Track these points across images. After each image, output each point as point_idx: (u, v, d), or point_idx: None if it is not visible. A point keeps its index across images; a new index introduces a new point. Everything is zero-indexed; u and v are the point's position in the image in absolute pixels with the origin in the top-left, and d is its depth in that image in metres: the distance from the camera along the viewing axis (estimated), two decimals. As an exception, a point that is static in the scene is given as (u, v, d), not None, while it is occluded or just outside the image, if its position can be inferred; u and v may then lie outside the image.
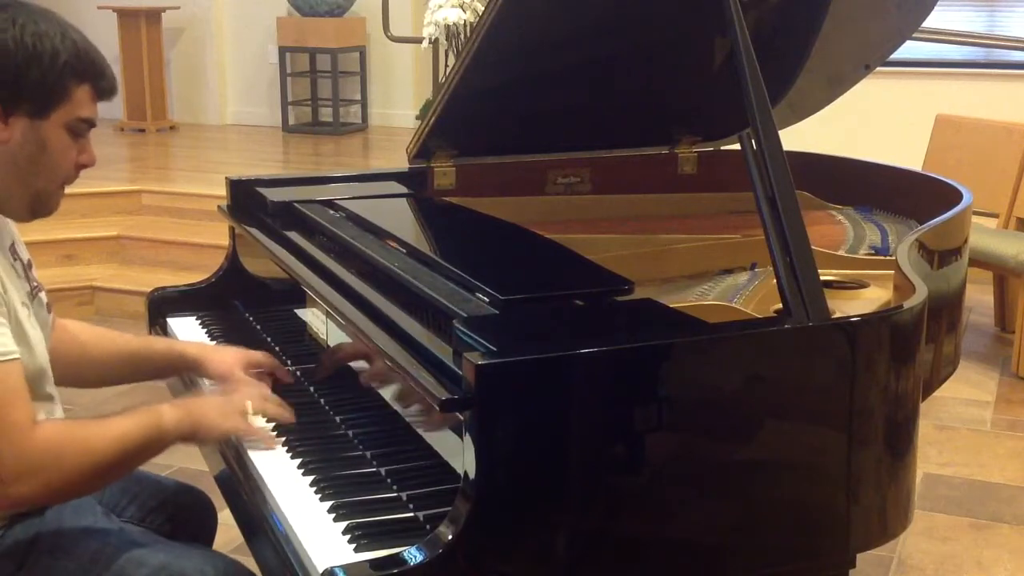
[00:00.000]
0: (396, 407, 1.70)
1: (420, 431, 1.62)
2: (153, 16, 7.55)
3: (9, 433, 1.50)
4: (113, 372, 2.00)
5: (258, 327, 2.33)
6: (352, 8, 7.60)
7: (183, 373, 2.05)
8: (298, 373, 2.08)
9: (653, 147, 2.78)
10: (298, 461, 1.72)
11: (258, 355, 2.02)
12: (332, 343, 1.95)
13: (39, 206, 1.67)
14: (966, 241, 2.35)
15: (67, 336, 1.92)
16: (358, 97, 7.78)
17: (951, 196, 2.43)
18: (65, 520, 1.71)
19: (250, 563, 1.73)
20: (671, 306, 1.73)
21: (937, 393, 2.19)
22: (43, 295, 1.77)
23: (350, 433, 1.80)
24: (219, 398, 1.81)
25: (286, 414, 1.81)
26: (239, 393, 1.82)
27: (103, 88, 1.66)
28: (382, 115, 7.86)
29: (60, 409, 1.76)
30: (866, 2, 2.55)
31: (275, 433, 1.80)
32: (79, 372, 1.93)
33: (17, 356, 1.55)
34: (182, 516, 1.95)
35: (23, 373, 1.56)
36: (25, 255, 1.76)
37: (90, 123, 1.66)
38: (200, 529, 1.98)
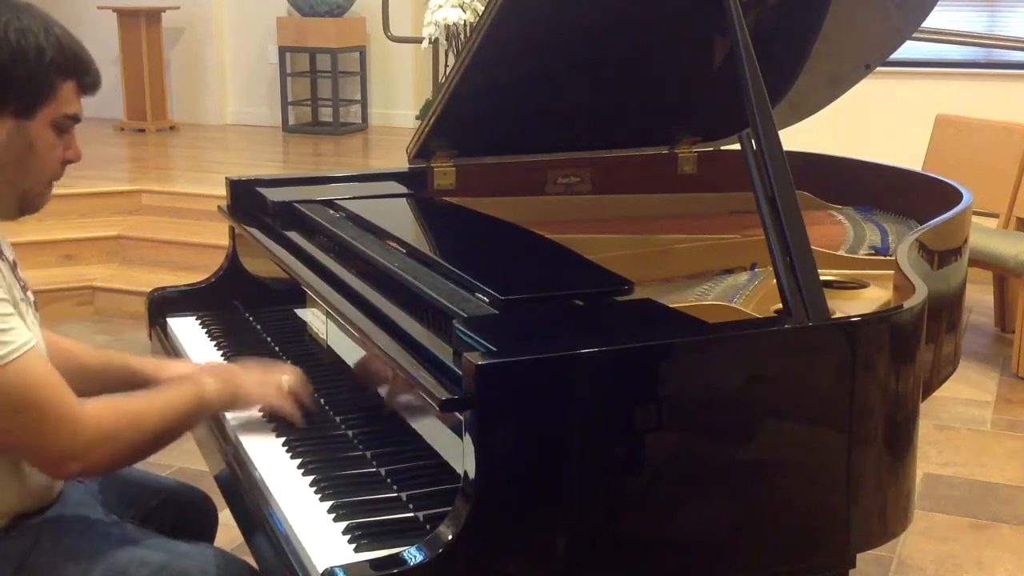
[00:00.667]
0: (396, 407, 1.70)
1: (420, 431, 1.62)
2: (153, 16, 7.55)
3: (60, 416, 1.52)
4: (75, 387, 1.89)
5: (258, 327, 2.33)
6: (352, 8, 7.60)
7: (138, 388, 1.95)
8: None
9: (653, 147, 2.78)
10: (298, 461, 1.72)
11: (209, 367, 2.01)
12: (332, 343, 1.95)
13: (27, 205, 1.67)
14: (966, 241, 2.35)
15: (58, 348, 1.89)
16: (358, 97, 7.78)
17: (951, 196, 2.43)
18: (66, 520, 1.71)
19: (250, 563, 1.73)
20: (671, 306, 1.73)
21: (937, 393, 2.18)
22: (30, 294, 1.75)
23: (350, 433, 1.80)
24: (258, 369, 1.84)
25: (309, 400, 1.84)
26: (279, 368, 1.85)
27: (88, 83, 1.64)
28: (382, 115, 7.86)
29: None
30: (866, 2, 2.55)
31: (274, 434, 1.80)
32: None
33: (36, 341, 1.56)
34: (183, 516, 1.95)
35: (47, 357, 1.57)
36: (10, 255, 1.73)
37: (75, 119, 1.64)
38: (201, 529, 1.98)
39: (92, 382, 1.94)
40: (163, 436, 1.66)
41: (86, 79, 1.63)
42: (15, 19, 1.55)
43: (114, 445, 1.58)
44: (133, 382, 1.97)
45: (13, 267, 1.73)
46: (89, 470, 1.62)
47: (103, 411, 1.58)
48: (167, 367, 2.01)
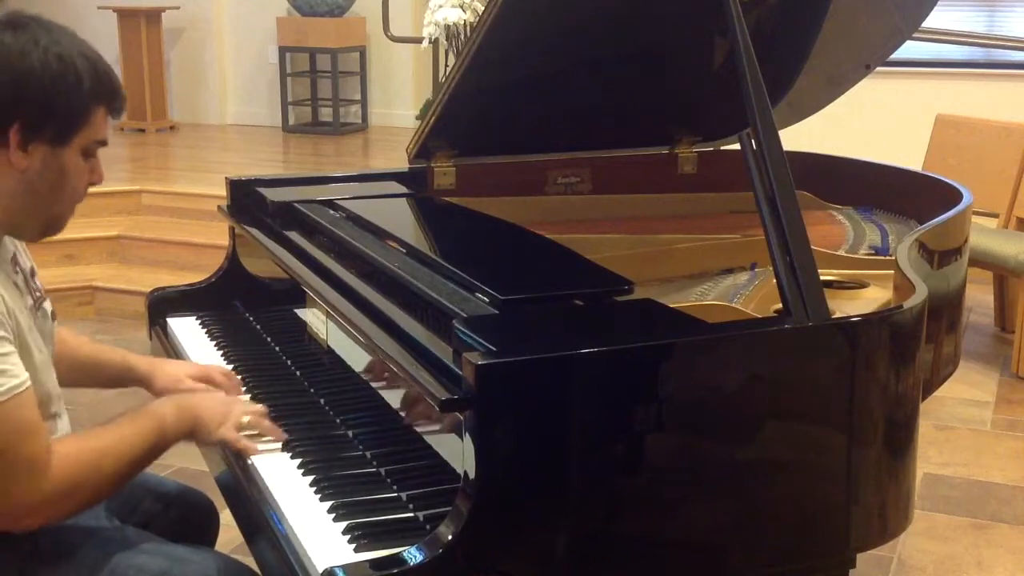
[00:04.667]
0: (396, 407, 1.70)
1: (420, 431, 1.62)
2: (153, 16, 7.55)
3: (26, 470, 1.49)
4: (70, 377, 1.93)
5: (258, 327, 2.33)
6: (352, 8, 7.59)
7: (132, 385, 2.02)
8: (298, 373, 2.08)
9: (653, 147, 2.78)
10: (298, 461, 1.72)
11: (207, 369, 2.01)
12: (332, 343, 1.95)
13: (52, 227, 1.66)
14: (966, 241, 2.35)
15: (57, 338, 1.87)
16: (358, 97, 7.78)
17: (951, 196, 2.43)
18: (66, 525, 1.69)
19: (250, 563, 1.73)
20: (671, 306, 1.73)
21: (937, 393, 2.18)
22: (47, 304, 1.74)
23: (350, 433, 1.80)
24: (220, 404, 1.79)
25: (275, 434, 1.79)
26: (239, 405, 1.81)
27: (117, 108, 1.63)
28: (382, 115, 7.85)
29: (67, 422, 1.75)
30: (866, 2, 2.55)
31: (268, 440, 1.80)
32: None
33: (28, 385, 1.52)
34: (185, 518, 1.94)
35: (35, 401, 1.54)
36: (27, 263, 1.73)
37: (104, 143, 1.63)
38: (202, 531, 1.97)
39: (86, 375, 1.97)
40: (124, 476, 1.63)
41: (116, 104, 1.62)
42: (54, 44, 1.53)
43: (75, 497, 1.55)
44: (128, 378, 1.99)
45: (31, 275, 1.72)
46: (48, 522, 1.58)
47: (66, 464, 1.53)
48: (162, 366, 2.00)
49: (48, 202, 1.61)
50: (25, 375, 1.51)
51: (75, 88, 1.54)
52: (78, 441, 1.61)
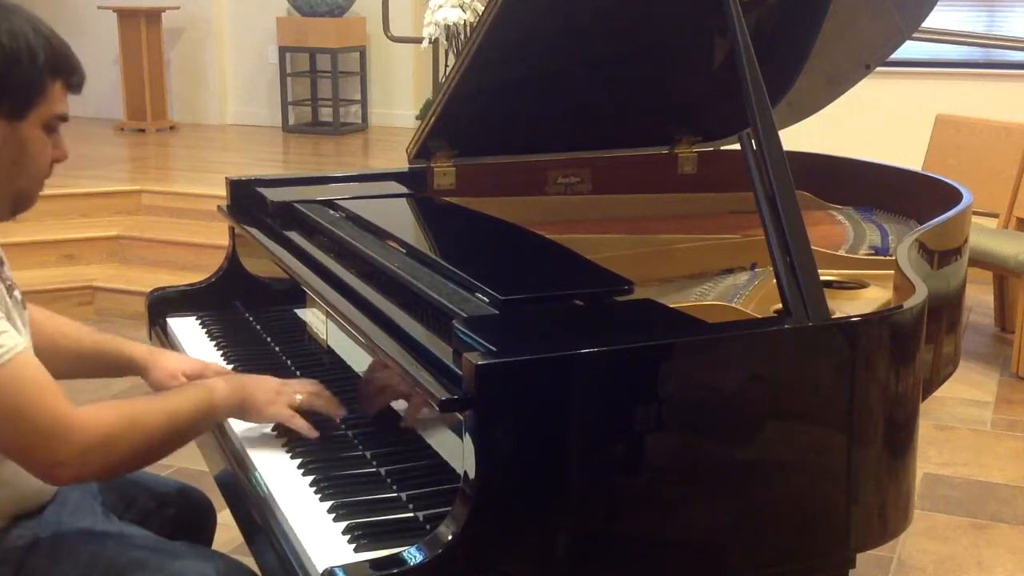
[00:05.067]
0: (396, 407, 1.70)
1: (420, 431, 1.62)
2: (153, 16, 7.54)
3: (51, 427, 1.49)
4: (60, 369, 1.90)
5: (258, 327, 2.33)
6: (352, 8, 7.59)
7: (130, 374, 2.03)
8: (298, 373, 2.08)
9: (653, 147, 2.78)
10: (298, 461, 1.72)
11: (201, 364, 2.01)
12: (332, 343, 1.95)
13: (20, 204, 1.66)
14: (966, 241, 2.35)
15: (39, 328, 1.88)
16: (358, 97, 7.78)
17: (951, 196, 2.43)
18: (64, 523, 1.71)
19: (250, 563, 1.73)
20: (671, 306, 1.73)
21: (937, 393, 2.18)
22: (17, 293, 1.73)
23: (350, 433, 1.80)
24: (272, 382, 1.79)
25: (334, 410, 1.79)
26: (292, 385, 1.80)
27: (75, 82, 1.63)
28: (382, 115, 7.86)
29: None
30: (866, 2, 2.55)
31: (275, 434, 1.80)
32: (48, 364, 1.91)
33: (27, 346, 1.53)
34: (182, 517, 1.95)
35: (38, 362, 1.54)
36: None
37: (64, 118, 1.63)
38: (200, 529, 1.98)
39: (87, 367, 1.97)
40: (168, 440, 1.62)
41: (74, 78, 1.62)
42: (5, 20, 1.54)
43: (111, 450, 1.54)
44: (126, 368, 1.99)
45: (0, 264, 1.72)
46: (85, 476, 1.58)
47: (100, 415, 1.54)
48: (159, 358, 1.99)
49: (11, 176, 1.60)
50: (19, 338, 1.51)
51: (28, 62, 1.54)
52: (118, 401, 1.61)
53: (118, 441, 1.54)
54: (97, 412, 1.54)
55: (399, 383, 1.68)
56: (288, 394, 1.77)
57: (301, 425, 1.75)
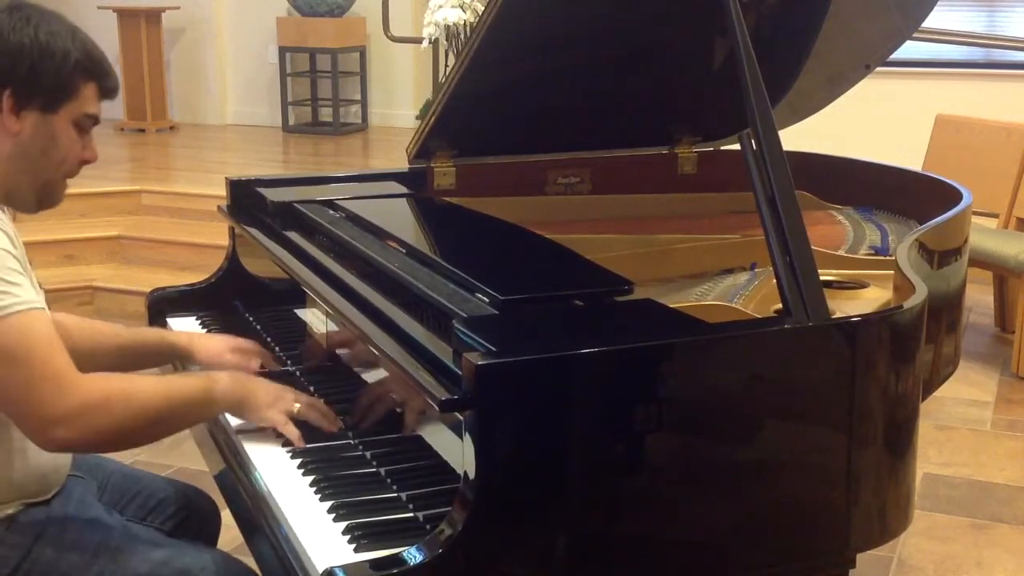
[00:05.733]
0: (396, 407, 1.70)
1: (420, 431, 1.62)
2: (153, 16, 7.55)
3: (54, 380, 1.53)
4: (105, 364, 1.99)
5: (258, 327, 2.33)
6: (352, 8, 7.60)
7: (173, 361, 2.10)
8: (298, 373, 2.08)
9: (653, 147, 2.78)
10: (298, 461, 1.72)
11: (245, 342, 2.08)
12: (332, 344, 1.95)
13: (46, 197, 1.74)
14: (966, 241, 2.35)
15: (83, 331, 1.97)
16: (358, 97, 7.78)
17: (951, 196, 2.43)
18: (70, 512, 1.73)
19: (250, 563, 1.73)
20: (671, 306, 1.73)
21: (937, 393, 2.18)
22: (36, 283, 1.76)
23: (350, 433, 1.80)
24: (275, 386, 1.82)
25: (328, 423, 1.81)
26: (293, 393, 1.83)
27: (108, 87, 1.74)
28: (382, 115, 7.86)
29: None
30: (866, 2, 2.55)
31: (275, 434, 1.80)
32: (89, 364, 1.93)
33: (43, 306, 1.59)
34: (183, 515, 1.95)
35: (51, 323, 1.59)
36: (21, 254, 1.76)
37: (95, 119, 1.73)
38: (202, 529, 1.98)
39: (128, 361, 2.04)
40: (162, 420, 1.65)
41: (107, 83, 1.74)
42: (45, 23, 1.67)
43: (104, 416, 1.56)
44: (169, 355, 2.08)
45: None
46: (75, 440, 1.58)
47: (100, 380, 1.59)
48: (203, 338, 2.08)
49: (40, 166, 1.70)
50: (37, 298, 1.58)
51: (62, 60, 1.66)
52: (117, 374, 1.67)
53: (112, 408, 1.57)
54: (98, 377, 1.59)
55: (399, 393, 1.68)
56: (288, 401, 1.79)
57: (292, 432, 1.77)
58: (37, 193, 1.72)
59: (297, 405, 1.79)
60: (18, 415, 1.57)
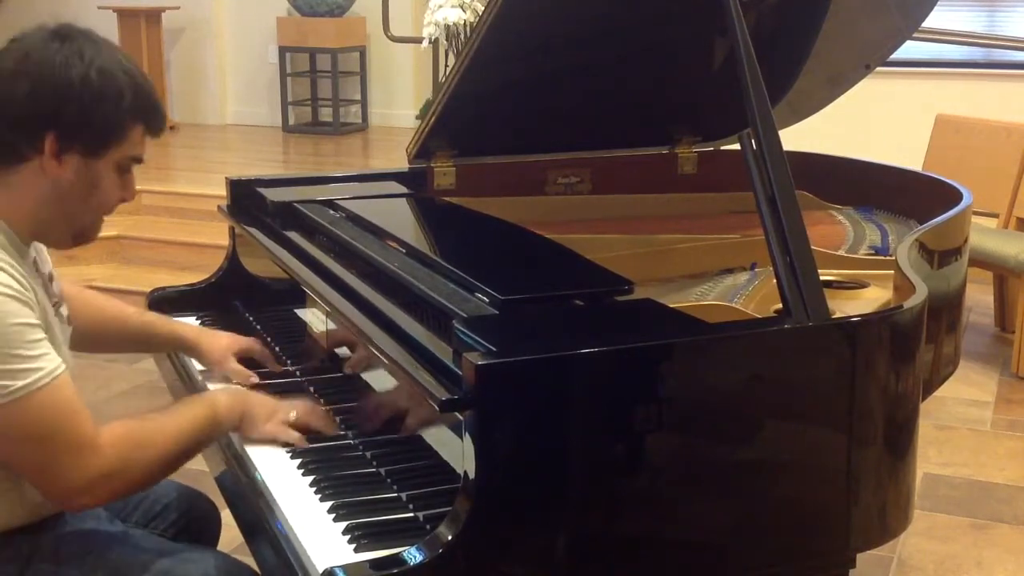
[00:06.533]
0: (396, 407, 1.70)
1: (420, 431, 1.62)
2: (153, 16, 7.55)
3: (76, 452, 1.51)
4: (115, 345, 2.11)
5: (258, 327, 2.33)
6: (352, 8, 7.60)
7: (181, 352, 2.15)
8: (298, 373, 2.08)
9: (653, 147, 2.78)
10: (298, 461, 1.72)
11: (249, 342, 2.11)
12: (332, 344, 1.95)
13: (82, 237, 1.67)
14: (966, 241, 2.35)
15: (89, 308, 1.97)
16: (358, 97, 7.78)
17: (951, 196, 2.43)
18: (69, 523, 1.71)
19: (250, 563, 1.73)
20: (671, 306, 1.73)
21: (937, 393, 2.18)
22: (63, 309, 1.75)
23: (350, 433, 1.80)
24: (270, 400, 1.83)
25: (328, 427, 1.82)
26: (288, 402, 1.84)
27: (156, 127, 1.64)
28: (382, 115, 7.86)
29: None
30: (866, 2, 2.55)
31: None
32: (83, 340, 1.94)
33: (65, 368, 1.54)
34: (186, 519, 1.95)
35: (73, 384, 1.55)
36: (47, 268, 1.74)
37: (139, 160, 1.64)
38: (203, 532, 1.98)
39: (134, 343, 2.11)
40: (176, 459, 1.65)
41: (155, 123, 1.63)
42: (97, 56, 1.55)
43: (126, 475, 1.56)
44: (176, 347, 2.13)
45: (49, 280, 1.73)
46: (98, 502, 1.61)
47: (117, 442, 1.55)
48: (210, 336, 2.10)
49: (76, 212, 1.62)
50: (59, 360, 1.53)
51: (114, 103, 1.55)
52: (128, 422, 1.62)
53: (131, 469, 1.57)
54: (116, 434, 1.56)
55: (399, 393, 1.68)
56: (285, 411, 1.80)
57: (292, 436, 1.77)
58: (73, 234, 1.65)
59: (293, 414, 1.79)
60: (41, 484, 1.56)
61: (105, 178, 1.60)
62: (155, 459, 1.60)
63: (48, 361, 1.50)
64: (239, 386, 1.98)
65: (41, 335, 1.52)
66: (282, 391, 1.96)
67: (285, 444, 1.77)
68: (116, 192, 1.63)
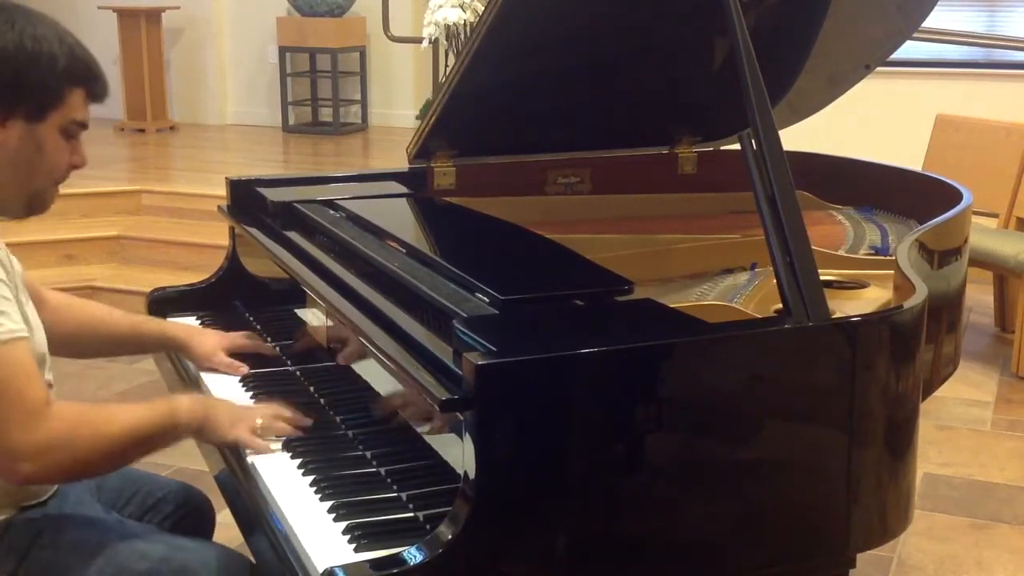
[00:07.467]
0: (396, 407, 1.70)
1: (420, 431, 1.62)
2: (153, 16, 7.54)
3: (25, 413, 1.51)
4: (106, 349, 2.11)
5: (258, 327, 2.33)
6: (352, 8, 7.59)
7: (172, 351, 2.17)
8: (298, 373, 2.08)
9: (653, 147, 2.78)
10: (298, 461, 1.72)
11: (240, 338, 2.13)
12: (332, 343, 1.95)
13: (35, 205, 1.70)
14: (966, 241, 2.35)
15: (77, 313, 1.99)
16: (358, 97, 7.78)
17: (951, 196, 2.43)
18: (67, 514, 1.72)
19: (250, 558, 1.73)
20: (671, 306, 1.73)
21: (937, 393, 2.18)
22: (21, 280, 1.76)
23: (350, 433, 1.80)
24: (235, 406, 1.83)
25: (297, 427, 1.81)
26: (254, 409, 1.84)
27: (96, 92, 1.69)
28: (382, 115, 7.85)
29: (54, 393, 1.76)
30: (866, 2, 2.55)
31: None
32: (74, 346, 2.00)
33: (26, 335, 1.56)
34: (181, 512, 1.96)
35: (32, 352, 1.57)
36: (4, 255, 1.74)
37: (83, 125, 1.69)
38: (198, 527, 1.98)
39: (125, 346, 2.13)
40: (128, 450, 1.63)
41: (95, 87, 1.68)
42: (31, 26, 1.61)
43: (70, 450, 1.55)
44: (166, 346, 2.15)
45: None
46: (40, 474, 1.58)
47: (66, 415, 1.56)
48: (200, 334, 2.12)
49: (27, 176, 1.66)
50: (22, 325, 1.56)
51: (48, 67, 1.61)
52: (83, 404, 1.64)
53: (77, 445, 1.56)
54: (67, 410, 1.57)
55: (399, 392, 1.68)
56: (250, 419, 1.78)
57: (260, 446, 1.76)
58: (26, 201, 1.68)
59: (259, 420, 1.78)
60: None
61: (49, 142, 1.64)
62: (103, 442, 1.59)
63: (10, 320, 1.53)
64: (221, 390, 1.98)
65: (9, 295, 1.55)
66: (275, 383, 1.97)
67: (284, 443, 1.77)
68: (64, 156, 1.68)
